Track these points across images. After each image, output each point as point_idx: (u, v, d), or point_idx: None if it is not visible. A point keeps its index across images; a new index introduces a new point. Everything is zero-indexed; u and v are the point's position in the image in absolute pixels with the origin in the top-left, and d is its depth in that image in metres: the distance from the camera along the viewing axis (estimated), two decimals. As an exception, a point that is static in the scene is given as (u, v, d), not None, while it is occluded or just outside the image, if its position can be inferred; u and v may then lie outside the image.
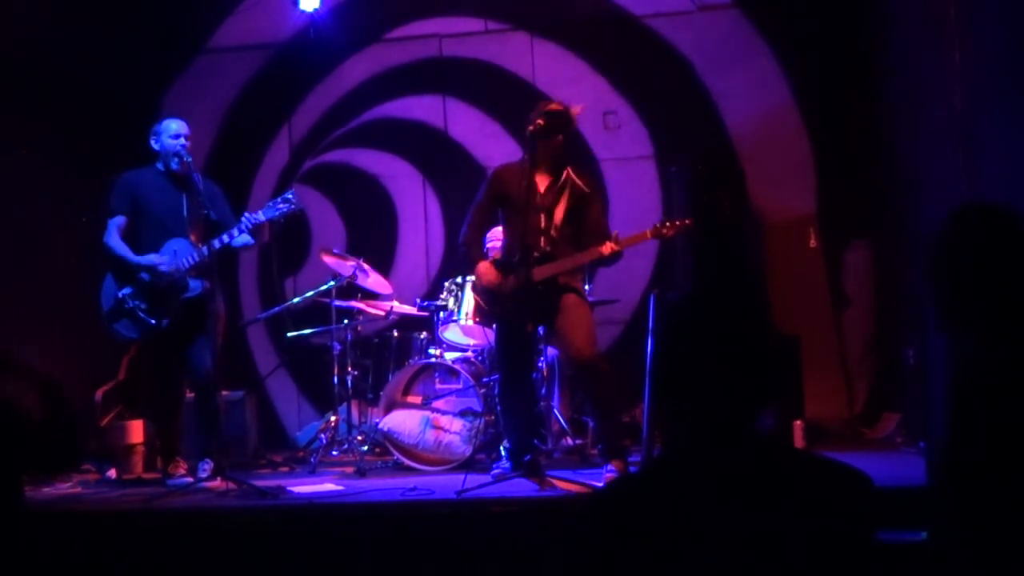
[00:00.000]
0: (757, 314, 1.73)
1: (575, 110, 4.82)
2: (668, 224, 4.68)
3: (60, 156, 6.46)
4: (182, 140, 5.28)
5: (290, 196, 5.22)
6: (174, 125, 5.32)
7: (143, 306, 5.14)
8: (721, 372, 1.70)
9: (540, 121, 4.71)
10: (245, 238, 5.19)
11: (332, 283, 5.97)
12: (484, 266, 4.87)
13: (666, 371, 1.77)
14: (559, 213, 4.77)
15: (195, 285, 5.19)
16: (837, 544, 1.63)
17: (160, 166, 5.35)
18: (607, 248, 4.62)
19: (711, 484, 1.66)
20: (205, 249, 5.12)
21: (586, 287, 5.42)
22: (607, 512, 1.74)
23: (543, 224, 4.74)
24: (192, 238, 5.26)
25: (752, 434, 1.72)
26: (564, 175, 4.82)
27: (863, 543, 1.65)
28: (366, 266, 6.03)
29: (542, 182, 4.81)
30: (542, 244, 4.72)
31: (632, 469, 4.77)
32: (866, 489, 1.69)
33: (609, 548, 1.69)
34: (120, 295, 5.17)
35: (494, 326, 5.25)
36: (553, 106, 4.78)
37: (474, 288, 5.26)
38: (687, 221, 4.75)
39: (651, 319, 5.19)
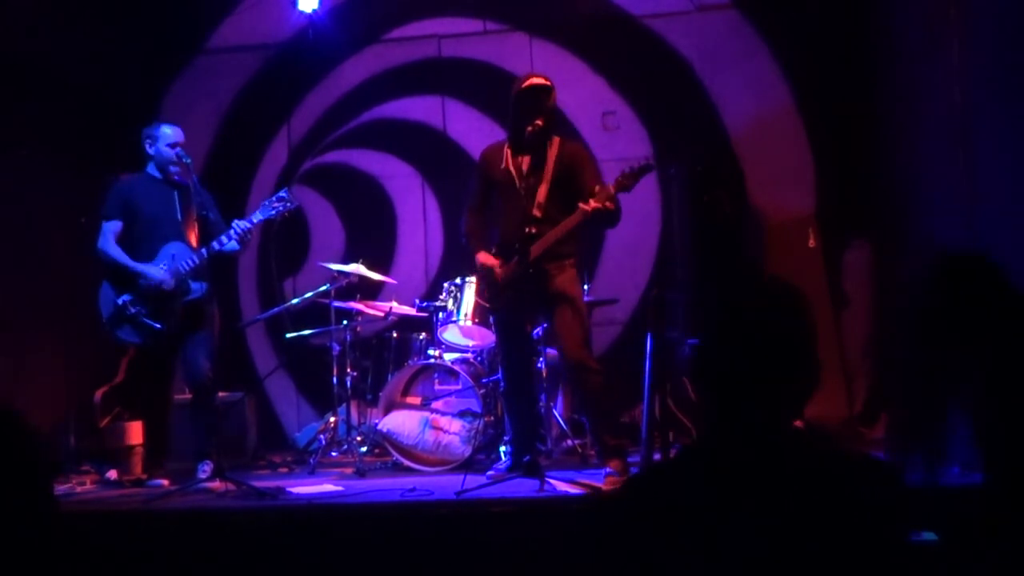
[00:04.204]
0: (806, 316, 1.74)
1: (543, 80, 4.78)
2: (629, 173, 4.60)
3: (60, 156, 6.46)
4: (179, 149, 5.27)
5: (284, 195, 5.25)
6: (170, 132, 5.31)
7: (145, 311, 5.14)
8: (771, 370, 1.70)
9: (540, 122, 4.70)
10: (233, 244, 5.20)
11: (329, 285, 5.96)
12: (483, 255, 4.87)
13: (721, 367, 1.76)
14: (542, 192, 4.75)
15: (196, 287, 5.20)
16: (866, 539, 1.62)
17: (153, 171, 5.34)
18: (587, 207, 4.56)
19: (738, 479, 1.66)
20: (204, 251, 5.12)
21: (584, 287, 5.42)
22: (631, 507, 1.73)
23: (526, 208, 4.72)
24: (188, 239, 5.26)
25: (782, 430, 1.72)
26: (546, 149, 4.80)
27: (892, 538, 1.64)
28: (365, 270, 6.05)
29: (525, 163, 4.81)
30: (526, 230, 4.69)
31: (632, 470, 4.76)
32: (896, 483, 1.68)
33: (632, 543, 1.68)
34: (120, 302, 5.17)
35: (493, 324, 5.26)
36: (528, 84, 4.75)
37: (477, 284, 5.25)
38: (645, 164, 4.64)
39: (651, 319, 5.19)
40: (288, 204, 5.21)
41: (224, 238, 5.13)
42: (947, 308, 2.23)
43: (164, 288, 5.14)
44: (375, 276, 6.13)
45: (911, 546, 1.68)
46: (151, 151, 5.32)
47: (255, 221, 5.19)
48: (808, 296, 1.76)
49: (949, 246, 2.45)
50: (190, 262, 5.16)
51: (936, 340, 2.24)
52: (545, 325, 5.51)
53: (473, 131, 7.26)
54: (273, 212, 5.21)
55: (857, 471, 1.68)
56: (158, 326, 5.14)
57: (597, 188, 4.64)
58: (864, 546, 1.60)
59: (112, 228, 5.25)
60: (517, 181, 4.79)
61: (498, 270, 4.79)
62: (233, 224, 5.16)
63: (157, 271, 5.15)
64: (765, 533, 1.60)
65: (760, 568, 1.59)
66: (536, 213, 4.72)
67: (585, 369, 4.70)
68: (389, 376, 5.96)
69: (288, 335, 6.43)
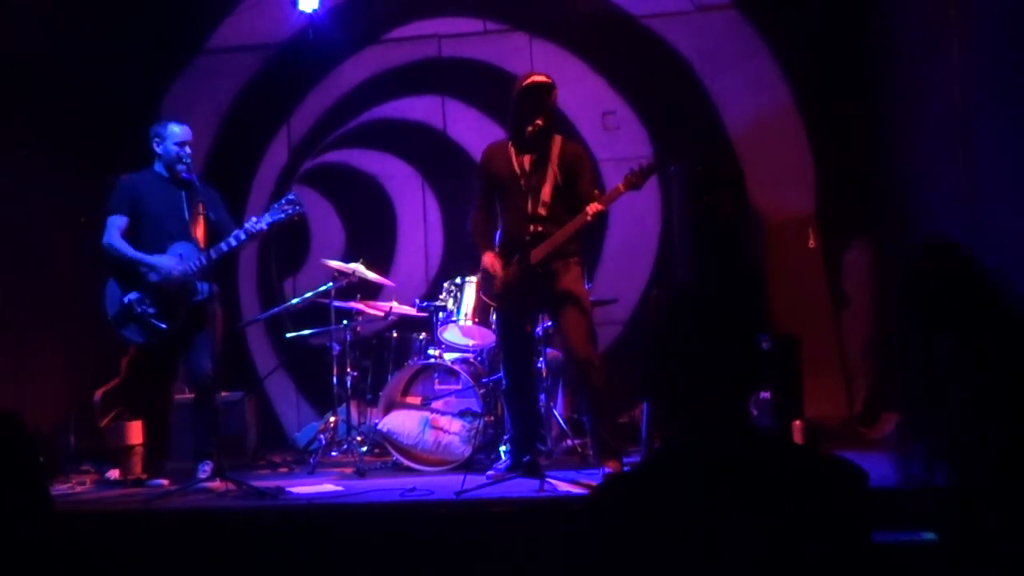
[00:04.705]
0: (747, 307, 1.75)
1: (545, 78, 4.79)
2: (638, 172, 4.65)
3: (60, 156, 6.46)
4: (187, 148, 5.27)
5: (293, 198, 5.23)
6: (178, 130, 5.29)
7: (152, 311, 5.14)
8: (713, 365, 1.72)
9: (540, 122, 4.70)
10: (243, 240, 5.18)
11: (331, 284, 5.96)
12: (489, 257, 4.88)
13: (663, 366, 1.78)
14: (546, 191, 4.76)
15: (203, 288, 5.19)
16: (831, 539, 1.63)
17: (160, 169, 5.34)
18: (592, 210, 4.63)
19: (707, 480, 1.67)
20: (213, 253, 5.11)
21: (587, 286, 5.43)
22: (604, 510, 1.74)
23: (529, 208, 4.72)
24: (195, 238, 5.26)
25: (748, 429, 1.73)
26: (548, 148, 4.81)
27: (857, 538, 1.65)
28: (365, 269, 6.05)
29: (527, 162, 4.82)
30: (531, 229, 4.71)
31: (627, 470, 4.77)
32: (860, 484, 1.69)
33: (606, 547, 1.69)
34: (126, 300, 5.16)
35: (494, 325, 5.26)
36: (529, 82, 4.76)
37: (479, 284, 5.26)
38: (654, 162, 4.70)
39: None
40: (296, 208, 5.20)
41: (232, 240, 5.12)
42: (921, 297, 2.26)
43: (174, 275, 5.12)
44: (374, 277, 6.12)
45: (873, 547, 1.70)
46: (159, 149, 5.31)
47: (265, 226, 5.17)
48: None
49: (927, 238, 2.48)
50: (198, 263, 5.15)
51: (914, 329, 2.26)
52: (547, 324, 5.52)
53: (473, 131, 7.27)
54: (282, 215, 5.19)
55: (819, 471, 1.69)
56: (163, 326, 5.14)
57: (596, 193, 4.72)
58: (826, 546, 1.62)
59: (117, 223, 5.23)
60: (520, 179, 4.79)
61: (500, 280, 4.79)
62: (245, 226, 5.15)
63: (165, 259, 5.14)
64: (732, 533, 1.62)
65: (727, 567, 1.61)
66: (541, 212, 4.74)
67: (590, 366, 4.71)
68: (389, 376, 5.96)
69: (288, 335, 6.43)
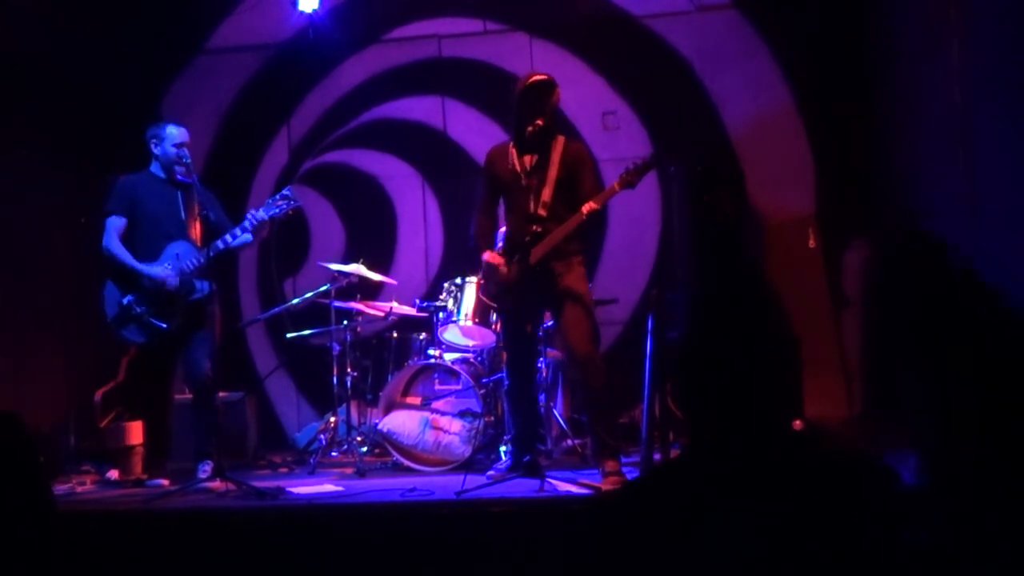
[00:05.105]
0: (771, 309, 1.75)
1: (546, 77, 4.78)
2: (632, 171, 4.64)
3: (60, 156, 6.46)
4: (185, 150, 5.28)
5: (288, 193, 5.26)
6: (176, 132, 5.31)
7: (150, 311, 5.15)
8: (739, 365, 1.71)
9: (540, 122, 4.70)
10: (246, 236, 5.21)
11: (330, 284, 5.96)
12: (489, 253, 4.87)
13: (689, 367, 1.77)
14: (546, 191, 4.76)
15: (201, 287, 5.20)
16: (863, 539, 1.62)
17: (157, 170, 5.35)
18: (586, 209, 4.63)
19: (735, 479, 1.66)
20: (210, 251, 5.12)
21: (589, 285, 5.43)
22: (632, 507, 1.74)
23: (531, 207, 4.73)
24: (192, 238, 5.27)
25: (774, 429, 1.72)
26: (550, 149, 4.81)
27: (889, 538, 1.64)
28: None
29: (528, 161, 4.82)
30: (532, 229, 4.71)
31: (626, 470, 4.76)
32: (893, 482, 1.68)
33: (632, 543, 1.68)
34: (125, 302, 5.17)
35: (498, 326, 5.26)
36: (531, 81, 4.75)
37: (480, 284, 5.25)
38: (649, 160, 4.68)
39: (650, 320, 5.19)
40: (292, 203, 5.23)
41: (229, 237, 5.14)
42: (893, 284, 2.26)
43: (168, 287, 5.14)
44: (375, 276, 6.13)
45: (907, 546, 1.69)
46: (157, 151, 5.32)
47: (263, 218, 5.19)
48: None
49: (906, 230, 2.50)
50: (195, 261, 5.16)
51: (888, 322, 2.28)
52: (548, 324, 5.51)
53: (473, 131, 7.27)
54: (277, 210, 5.22)
55: (855, 471, 1.69)
56: (163, 325, 5.15)
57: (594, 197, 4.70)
58: (862, 546, 1.61)
59: (116, 225, 5.25)
60: (523, 180, 4.79)
61: (503, 268, 4.79)
62: (247, 216, 5.17)
63: (161, 270, 5.16)
64: (765, 533, 1.60)
65: (760, 568, 1.60)
66: (542, 212, 4.73)
67: (591, 365, 4.70)
68: (389, 376, 5.96)
69: (288, 335, 6.43)
